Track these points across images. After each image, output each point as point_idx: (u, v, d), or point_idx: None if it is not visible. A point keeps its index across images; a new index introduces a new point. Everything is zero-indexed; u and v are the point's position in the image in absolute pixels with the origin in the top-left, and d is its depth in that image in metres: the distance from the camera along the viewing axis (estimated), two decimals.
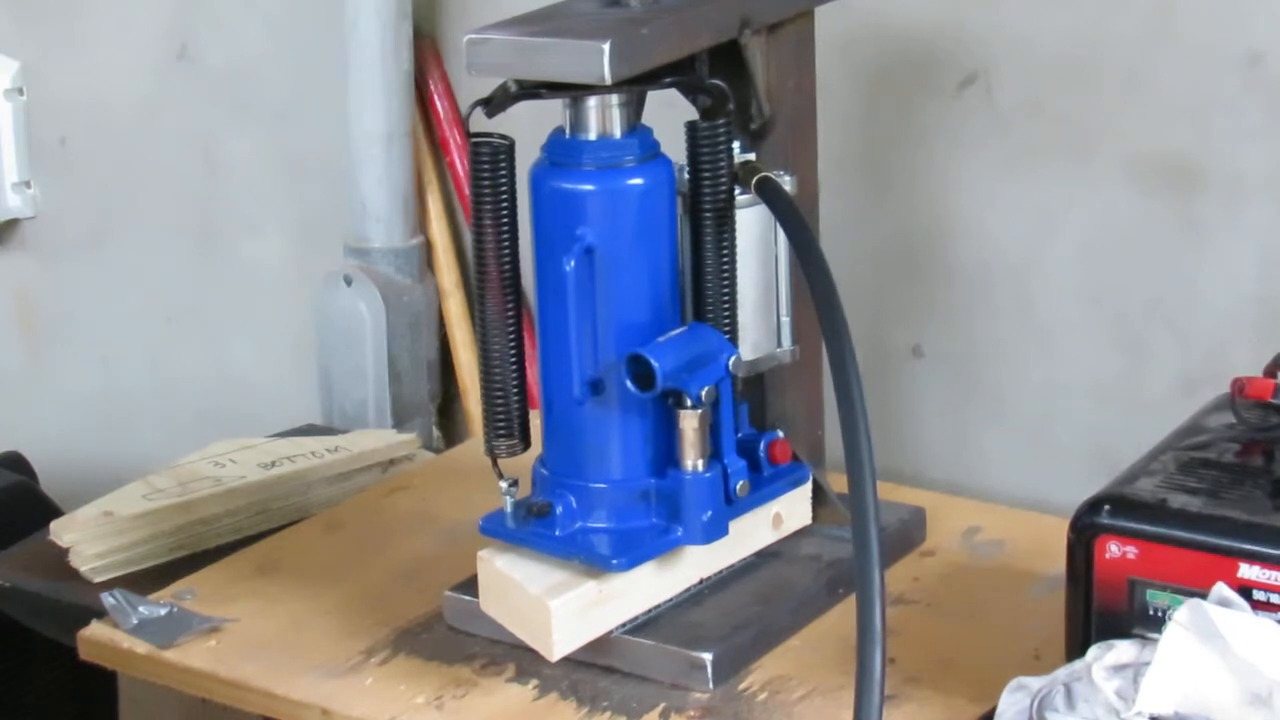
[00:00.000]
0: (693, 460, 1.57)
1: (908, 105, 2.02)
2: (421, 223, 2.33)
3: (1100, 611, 1.45)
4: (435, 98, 2.32)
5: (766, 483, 1.67)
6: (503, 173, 1.57)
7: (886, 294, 2.07)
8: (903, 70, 2.01)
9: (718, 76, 1.59)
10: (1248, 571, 1.39)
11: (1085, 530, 1.45)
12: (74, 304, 2.71)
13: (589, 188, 1.57)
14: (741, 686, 1.60)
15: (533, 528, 1.60)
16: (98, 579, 1.86)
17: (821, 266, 1.49)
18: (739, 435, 1.63)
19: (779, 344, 1.70)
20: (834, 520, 1.75)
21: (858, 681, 1.36)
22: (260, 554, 1.88)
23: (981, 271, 2.01)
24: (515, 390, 1.61)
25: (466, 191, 2.23)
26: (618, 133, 1.57)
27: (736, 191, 1.61)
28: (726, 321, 1.61)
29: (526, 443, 1.63)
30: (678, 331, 1.58)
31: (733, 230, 1.61)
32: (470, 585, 1.66)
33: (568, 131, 1.58)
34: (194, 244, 2.57)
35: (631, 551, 1.59)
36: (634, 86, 1.56)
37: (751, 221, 1.64)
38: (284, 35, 2.42)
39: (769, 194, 1.57)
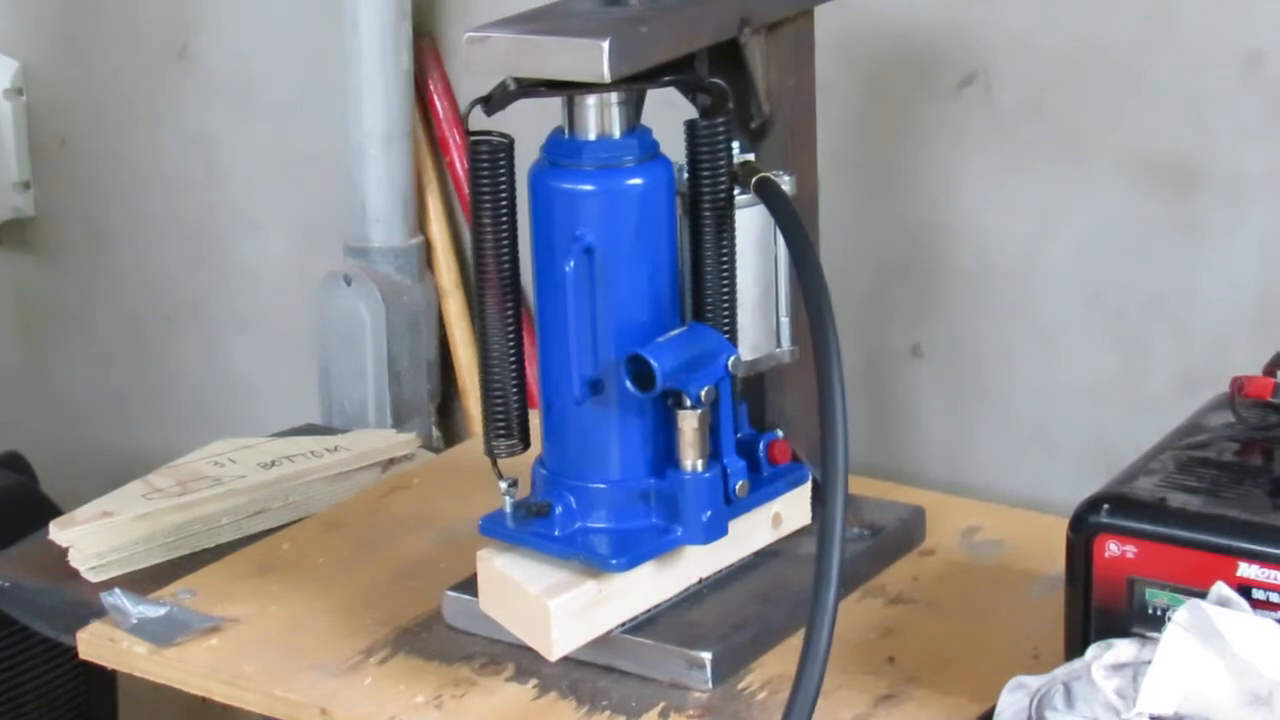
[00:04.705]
0: (692, 460, 1.57)
1: (907, 105, 2.02)
2: (421, 223, 2.33)
3: (1100, 611, 1.45)
4: (435, 98, 2.32)
5: (766, 483, 1.67)
6: (502, 172, 1.57)
7: (886, 294, 2.07)
8: (902, 70, 2.01)
9: (717, 76, 1.59)
10: (1247, 570, 1.39)
11: (1085, 529, 1.45)
12: (74, 304, 2.71)
13: (588, 188, 1.57)
14: (741, 686, 1.60)
15: (532, 528, 1.60)
16: (98, 579, 1.86)
17: (815, 272, 1.49)
18: (739, 435, 1.63)
19: (779, 344, 1.70)
20: None
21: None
22: (260, 554, 1.88)
23: (981, 271, 2.01)
24: (515, 390, 1.61)
25: (466, 191, 2.23)
26: (617, 132, 1.57)
27: (736, 191, 1.60)
28: (726, 321, 1.61)
29: (526, 443, 1.63)
30: (677, 331, 1.58)
31: (732, 230, 1.61)
32: (470, 585, 1.66)
33: (567, 131, 1.58)
34: (194, 244, 2.57)
35: (631, 551, 1.59)
36: (633, 85, 1.56)
37: (751, 221, 1.64)
38: (284, 35, 2.42)
39: (768, 194, 1.57)
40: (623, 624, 1.62)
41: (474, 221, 1.59)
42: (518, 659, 1.63)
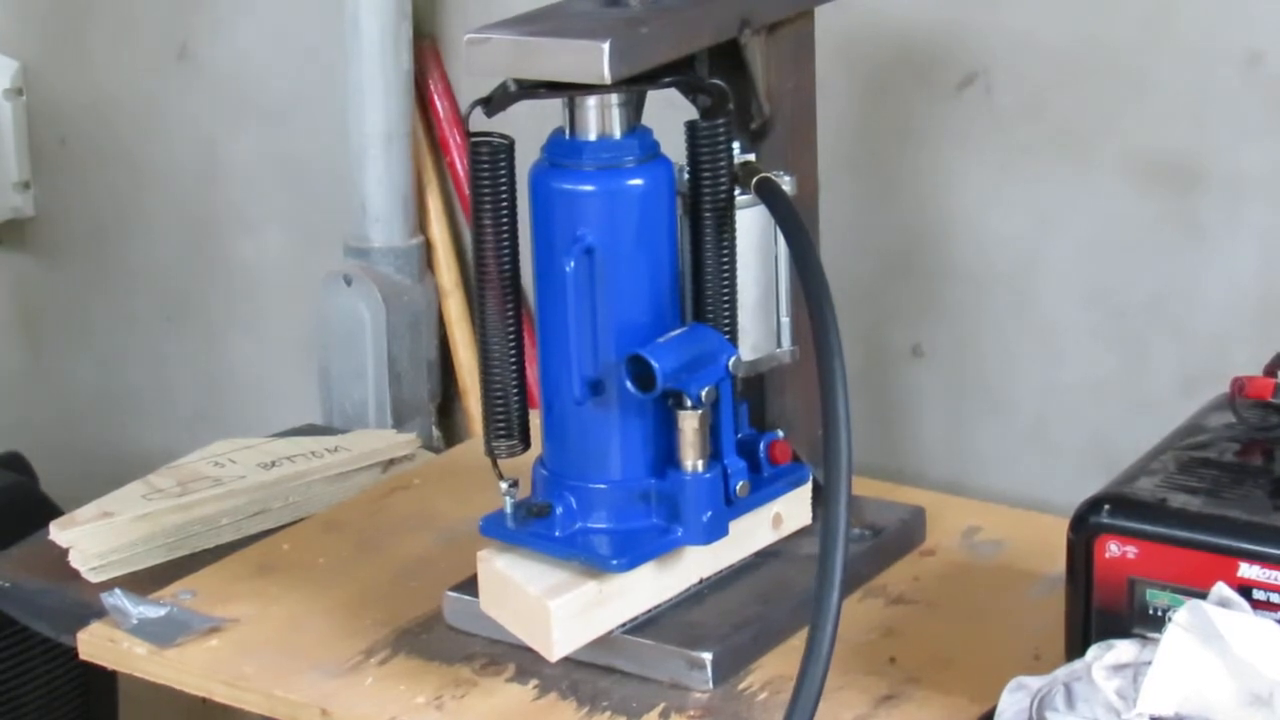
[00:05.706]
0: (693, 461, 1.57)
1: (907, 105, 2.02)
2: (421, 223, 2.33)
3: (1100, 611, 1.45)
4: (435, 98, 2.32)
5: (766, 483, 1.67)
6: (503, 172, 1.57)
7: (886, 294, 2.07)
8: (902, 70, 2.01)
9: (717, 76, 1.59)
10: (1248, 571, 1.39)
11: (1085, 530, 1.45)
12: (74, 304, 2.71)
13: (589, 188, 1.57)
14: (741, 686, 1.60)
15: (532, 528, 1.60)
16: (98, 579, 1.86)
17: (817, 272, 1.49)
18: (739, 435, 1.63)
19: (779, 344, 1.70)
20: None
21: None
22: (260, 554, 1.88)
23: (981, 271, 2.01)
24: (515, 390, 1.61)
25: (466, 191, 2.23)
26: (617, 133, 1.57)
27: (736, 192, 1.60)
28: (726, 322, 1.61)
29: (526, 443, 1.63)
30: (678, 332, 1.58)
31: (733, 230, 1.61)
32: (470, 585, 1.66)
33: (568, 132, 1.58)
34: (194, 244, 2.57)
35: (631, 552, 1.59)
36: (634, 86, 1.55)
37: (751, 222, 1.64)
38: (284, 35, 2.42)
39: (768, 194, 1.57)
40: (623, 624, 1.62)
41: (474, 222, 1.59)
42: (518, 659, 1.63)
